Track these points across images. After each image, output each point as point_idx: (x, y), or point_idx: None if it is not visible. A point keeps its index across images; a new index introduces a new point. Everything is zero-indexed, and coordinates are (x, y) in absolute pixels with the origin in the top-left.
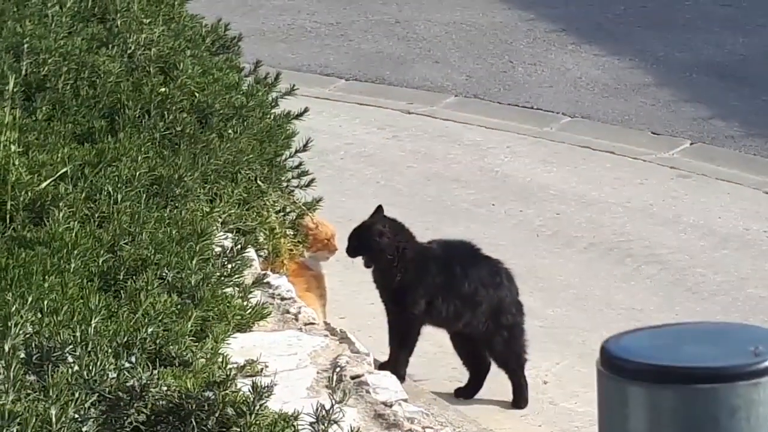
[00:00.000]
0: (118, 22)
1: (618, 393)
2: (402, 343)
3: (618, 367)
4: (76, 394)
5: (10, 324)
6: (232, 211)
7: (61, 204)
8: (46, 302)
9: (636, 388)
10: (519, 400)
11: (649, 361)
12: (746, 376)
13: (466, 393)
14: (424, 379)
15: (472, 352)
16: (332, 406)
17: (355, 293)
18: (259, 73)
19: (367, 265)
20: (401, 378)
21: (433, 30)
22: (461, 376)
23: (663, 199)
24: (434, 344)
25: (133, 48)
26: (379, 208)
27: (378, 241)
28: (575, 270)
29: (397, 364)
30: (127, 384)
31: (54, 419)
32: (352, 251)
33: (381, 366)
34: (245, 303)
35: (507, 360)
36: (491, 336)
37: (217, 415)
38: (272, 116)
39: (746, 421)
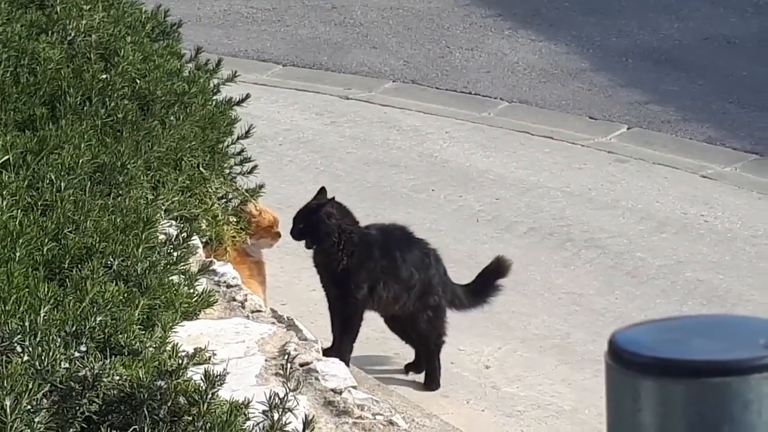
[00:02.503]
0: (58, 9)
1: (628, 387)
2: (345, 329)
3: (628, 361)
4: (30, 385)
5: None
6: (176, 198)
7: (4, 192)
8: None
9: (646, 382)
10: (431, 382)
11: (659, 354)
12: (758, 369)
13: (416, 368)
14: (367, 364)
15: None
16: (286, 393)
17: (295, 279)
18: (200, 59)
19: (308, 247)
20: (347, 363)
21: (369, 15)
22: (403, 361)
23: (601, 183)
24: (376, 329)
25: (73, 34)
26: (322, 190)
27: (327, 223)
28: (515, 255)
29: (341, 350)
30: (79, 374)
31: (8, 410)
32: (297, 233)
33: (324, 352)
34: (192, 291)
35: (427, 339)
36: (417, 314)
37: (169, 404)
38: (214, 103)
39: (758, 414)
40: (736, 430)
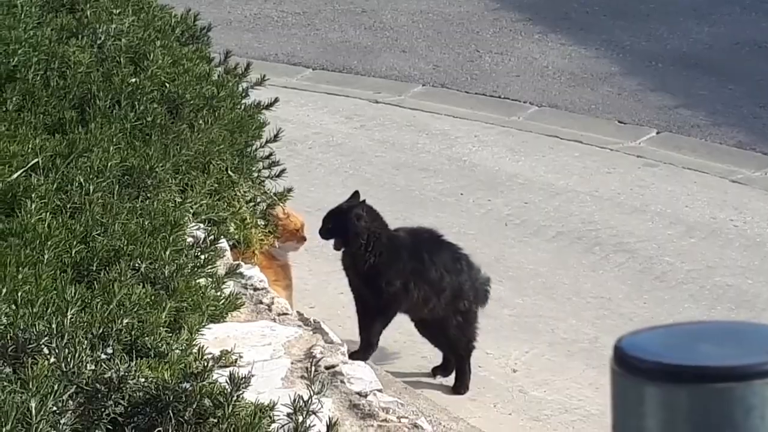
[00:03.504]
0: (88, 13)
1: (633, 392)
2: (379, 315)
3: (633, 366)
4: (55, 387)
5: None
6: (204, 201)
7: (33, 195)
8: (20, 294)
9: (651, 387)
10: (460, 386)
11: (664, 360)
12: (762, 374)
13: (443, 371)
14: (394, 367)
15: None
16: (311, 396)
17: (324, 283)
18: (229, 63)
19: (336, 248)
20: (374, 345)
21: (399, 19)
22: (431, 364)
23: (630, 188)
24: (404, 333)
25: (103, 38)
26: (356, 194)
27: (356, 224)
28: (544, 259)
29: (370, 332)
30: (105, 376)
31: (34, 412)
32: (325, 233)
33: (351, 355)
34: (218, 293)
35: (457, 344)
36: (447, 319)
37: (194, 406)
38: (243, 106)
39: (761, 419)
40: None
